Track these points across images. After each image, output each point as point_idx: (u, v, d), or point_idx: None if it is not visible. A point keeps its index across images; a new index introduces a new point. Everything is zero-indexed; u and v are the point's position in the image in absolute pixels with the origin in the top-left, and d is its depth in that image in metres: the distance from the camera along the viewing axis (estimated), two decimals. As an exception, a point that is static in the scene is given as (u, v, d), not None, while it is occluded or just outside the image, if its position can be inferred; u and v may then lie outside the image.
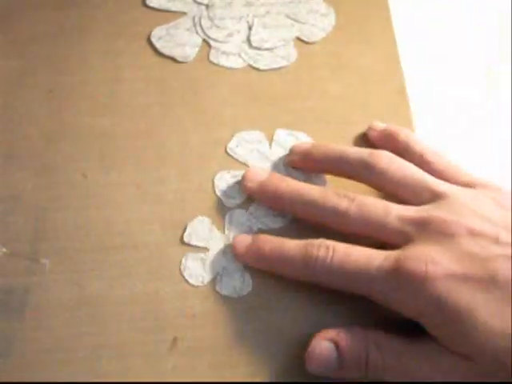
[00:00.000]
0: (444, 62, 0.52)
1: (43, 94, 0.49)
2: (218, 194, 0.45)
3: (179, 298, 0.42)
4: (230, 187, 0.46)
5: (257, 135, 0.48)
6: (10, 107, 0.48)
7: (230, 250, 0.43)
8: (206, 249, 0.43)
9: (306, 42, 0.52)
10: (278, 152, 0.47)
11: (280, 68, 0.50)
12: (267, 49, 0.51)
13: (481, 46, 0.53)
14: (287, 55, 0.51)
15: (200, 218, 0.44)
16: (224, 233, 0.44)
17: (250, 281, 0.42)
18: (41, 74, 0.50)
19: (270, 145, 0.47)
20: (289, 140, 0.47)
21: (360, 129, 0.48)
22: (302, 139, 0.47)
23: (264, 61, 0.51)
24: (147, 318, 0.41)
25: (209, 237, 0.43)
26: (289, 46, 0.51)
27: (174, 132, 0.48)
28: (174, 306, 0.41)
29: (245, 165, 0.47)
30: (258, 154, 0.47)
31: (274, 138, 0.48)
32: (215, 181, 0.46)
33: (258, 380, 0.39)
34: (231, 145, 0.47)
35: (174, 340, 0.40)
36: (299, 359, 0.40)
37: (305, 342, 0.40)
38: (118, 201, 0.45)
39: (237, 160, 0.47)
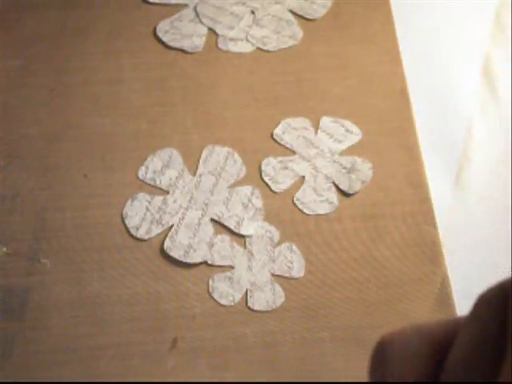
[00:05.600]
0: (445, 62, 0.52)
1: (44, 94, 0.49)
2: (266, 179, 0.46)
3: (179, 298, 0.42)
4: (277, 172, 0.46)
5: (303, 122, 0.48)
6: (11, 107, 0.48)
7: (255, 264, 0.43)
8: (230, 267, 0.43)
9: (309, 20, 0.52)
10: (324, 138, 0.47)
11: (289, 47, 0.51)
12: (273, 30, 0.51)
13: (481, 47, 0.53)
14: (294, 34, 0.51)
15: (219, 237, 0.44)
16: (245, 248, 0.44)
17: (282, 291, 0.42)
18: (42, 74, 0.50)
19: (316, 131, 0.48)
20: (333, 127, 0.48)
21: (362, 127, 0.48)
22: (347, 126, 0.48)
23: (272, 42, 0.51)
24: (147, 318, 0.41)
25: (231, 254, 0.43)
26: (293, 25, 0.52)
27: (175, 132, 0.48)
28: (174, 306, 0.41)
29: (291, 150, 0.47)
30: (303, 140, 0.47)
31: (320, 124, 0.48)
32: (262, 166, 0.46)
33: (257, 380, 0.39)
34: (278, 131, 0.47)
35: (174, 340, 0.40)
36: (298, 360, 0.39)
37: (302, 344, 0.40)
38: (118, 201, 0.45)
39: (283, 146, 0.47)
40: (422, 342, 0.20)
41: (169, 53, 0.51)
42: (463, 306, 0.42)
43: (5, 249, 0.43)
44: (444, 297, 0.42)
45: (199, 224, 0.44)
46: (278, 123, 0.48)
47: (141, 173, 0.46)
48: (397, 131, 0.48)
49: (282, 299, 0.42)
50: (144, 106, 0.49)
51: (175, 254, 0.42)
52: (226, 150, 0.47)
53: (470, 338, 0.18)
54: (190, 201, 0.45)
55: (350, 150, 0.47)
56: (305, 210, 0.45)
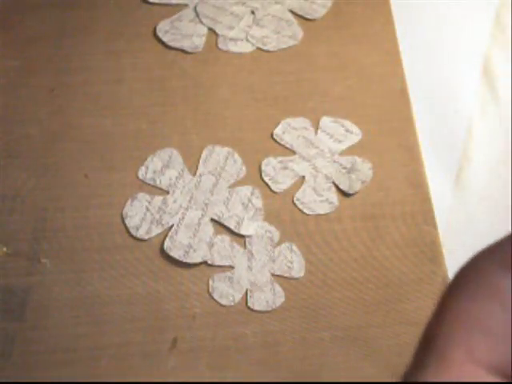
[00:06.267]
0: (445, 62, 0.52)
1: (44, 94, 0.49)
2: (266, 179, 0.46)
3: (179, 298, 0.42)
4: (277, 172, 0.46)
5: (303, 122, 0.48)
6: (11, 107, 0.48)
7: (255, 264, 0.43)
8: (230, 267, 0.43)
9: (309, 20, 0.52)
10: (324, 138, 0.47)
11: (289, 47, 0.51)
12: (273, 30, 0.51)
13: (481, 47, 0.53)
14: (294, 34, 0.51)
15: (219, 237, 0.44)
16: (245, 248, 0.44)
17: (282, 291, 0.42)
18: (42, 74, 0.50)
19: (316, 131, 0.48)
20: (333, 127, 0.48)
21: (362, 127, 0.48)
22: (347, 126, 0.48)
23: (272, 42, 0.51)
24: (147, 318, 0.41)
25: (231, 254, 0.43)
26: (293, 25, 0.52)
27: (175, 132, 0.48)
28: (174, 306, 0.41)
29: (291, 150, 0.47)
30: (303, 140, 0.47)
31: (320, 124, 0.48)
32: (262, 166, 0.46)
33: (257, 380, 0.39)
34: (278, 131, 0.47)
35: (174, 340, 0.40)
36: (298, 360, 0.39)
37: (302, 344, 0.40)
38: (118, 201, 0.45)
39: (283, 146, 0.47)
40: None
41: (169, 53, 0.51)
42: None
43: (5, 249, 0.43)
44: (444, 297, 0.42)
45: (199, 224, 0.44)
46: (278, 123, 0.48)
47: (141, 173, 0.46)
48: (397, 131, 0.48)
49: (282, 299, 0.42)
50: (144, 106, 0.49)
51: (175, 254, 0.42)
52: (226, 150, 0.47)
53: None
54: (190, 201, 0.45)
55: (350, 150, 0.47)
56: (305, 210, 0.45)
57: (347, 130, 0.47)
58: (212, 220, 0.44)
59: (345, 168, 0.46)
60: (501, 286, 0.16)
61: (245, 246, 0.43)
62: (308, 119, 0.48)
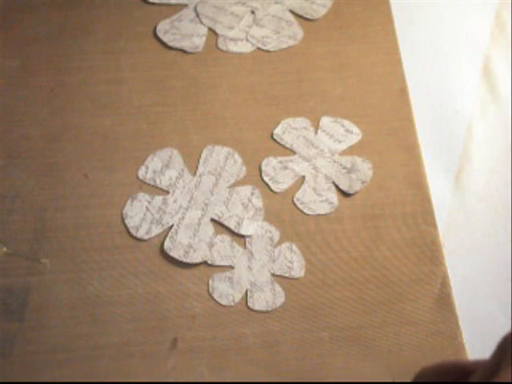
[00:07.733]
0: (445, 62, 0.52)
1: (44, 94, 0.49)
2: (266, 179, 0.46)
3: (179, 298, 0.42)
4: (277, 173, 0.46)
5: (303, 122, 0.48)
6: (10, 107, 0.48)
7: (255, 264, 0.43)
8: (230, 267, 0.43)
9: (309, 20, 0.52)
10: (324, 138, 0.47)
11: (289, 47, 0.51)
12: (273, 30, 0.51)
13: (481, 47, 0.53)
14: (294, 34, 0.51)
15: (219, 237, 0.44)
16: (245, 248, 0.44)
17: (282, 291, 0.42)
18: (42, 74, 0.50)
19: (316, 131, 0.48)
20: (333, 127, 0.48)
21: (362, 126, 0.48)
22: (347, 126, 0.48)
23: (272, 42, 0.51)
24: (147, 318, 0.41)
25: (231, 254, 0.43)
26: (293, 25, 0.52)
27: (175, 132, 0.48)
28: (174, 306, 0.41)
29: (291, 150, 0.47)
30: (303, 140, 0.47)
31: (320, 124, 0.48)
32: (262, 166, 0.46)
33: (257, 380, 0.39)
34: (278, 131, 0.47)
35: (174, 340, 0.40)
36: (298, 360, 0.39)
37: (302, 344, 0.40)
38: (118, 201, 0.45)
39: (283, 146, 0.47)
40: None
41: (169, 53, 0.51)
42: (463, 306, 0.42)
43: (5, 249, 0.43)
44: (444, 297, 0.42)
45: (199, 224, 0.44)
46: (278, 123, 0.48)
47: (141, 173, 0.46)
48: (397, 131, 0.48)
49: (282, 299, 0.42)
50: (144, 106, 0.49)
51: (175, 254, 0.42)
52: (226, 150, 0.47)
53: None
54: (190, 201, 0.45)
55: (350, 150, 0.47)
56: (305, 210, 0.45)
57: (347, 130, 0.47)
58: (212, 220, 0.44)
59: (345, 168, 0.46)
60: None
61: (245, 246, 0.43)
62: (308, 119, 0.48)
